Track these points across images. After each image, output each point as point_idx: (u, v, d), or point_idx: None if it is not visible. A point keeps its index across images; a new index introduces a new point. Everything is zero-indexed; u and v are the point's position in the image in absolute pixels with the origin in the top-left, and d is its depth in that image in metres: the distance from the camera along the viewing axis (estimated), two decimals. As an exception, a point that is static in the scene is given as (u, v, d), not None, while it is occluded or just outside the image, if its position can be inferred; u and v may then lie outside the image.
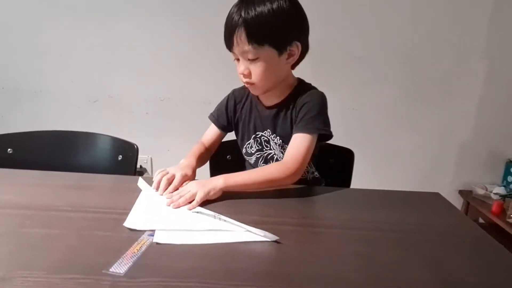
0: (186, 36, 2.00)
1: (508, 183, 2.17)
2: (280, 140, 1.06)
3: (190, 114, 2.12)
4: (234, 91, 1.15)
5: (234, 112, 1.13)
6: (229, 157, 1.26)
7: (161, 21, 1.98)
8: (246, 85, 1.00)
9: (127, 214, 0.76)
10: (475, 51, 2.04)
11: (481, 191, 2.14)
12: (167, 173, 0.92)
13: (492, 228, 1.98)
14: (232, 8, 0.91)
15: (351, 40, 1.96)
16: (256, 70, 0.93)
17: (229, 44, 0.92)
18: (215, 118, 1.15)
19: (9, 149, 1.17)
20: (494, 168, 2.23)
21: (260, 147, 1.09)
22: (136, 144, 1.20)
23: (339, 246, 0.70)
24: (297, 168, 0.92)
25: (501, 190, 2.08)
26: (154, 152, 2.18)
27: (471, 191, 2.21)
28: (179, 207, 0.81)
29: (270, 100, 1.06)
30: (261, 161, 1.10)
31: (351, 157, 1.26)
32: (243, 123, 1.12)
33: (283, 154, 1.04)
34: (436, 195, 1.00)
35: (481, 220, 2.27)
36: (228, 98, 1.15)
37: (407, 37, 2.02)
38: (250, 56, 0.91)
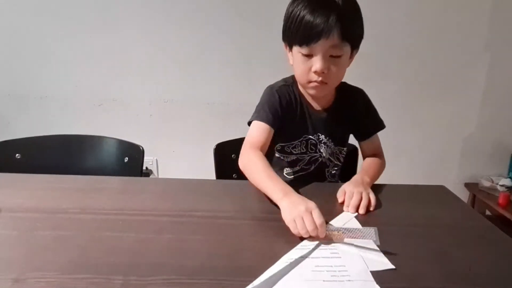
0: (188, 38, 2.01)
1: (514, 175, 2.16)
2: (332, 143, 1.06)
3: (194, 116, 2.13)
4: (278, 90, 1.02)
5: (284, 111, 1.02)
6: (233, 156, 1.26)
7: (163, 24, 1.99)
8: (313, 83, 0.93)
9: (135, 215, 0.78)
10: (478, 45, 2.03)
11: (487, 184, 2.13)
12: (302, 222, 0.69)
13: (499, 220, 1.98)
14: (307, 5, 0.86)
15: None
16: (336, 68, 0.90)
17: (314, 38, 0.85)
18: (270, 118, 0.99)
19: (17, 155, 1.19)
20: (499, 160, 2.22)
21: (305, 150, 1.06)
22: (142, 146, 1.21)
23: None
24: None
25: (507, 182, 2.08)
26: (159, 153, 2.19)
27: (477, 184, 2.21)
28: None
29: (320, 103, 1.03)
30: (302, 163, 1.08)
31: (355, 154, 1.26)
32: (289, 124, 1.03)
33: (331, 156, 1.08)
34: (442, 188, 1.01)
35: (488, 212, 2.27)
36: (279, 95, 1.01)
37: (409, 33, 2.02)
38: (336, 53, 0.88)
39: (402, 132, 2.15)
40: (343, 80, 1.03)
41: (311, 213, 0.69)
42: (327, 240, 0.68)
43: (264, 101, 1.02)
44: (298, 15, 0.86)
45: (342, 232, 0.68)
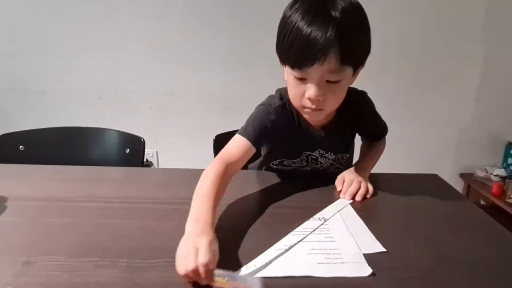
0: (188, 31, 2.02)
1: (508, 165, 2.19)
2: (332, 154, 1.01)
3: (194, 108, 2.15)
4: (275, 110, 0.91)
5: (276, 133, 0.92)
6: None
7: (163, 17, 2.00)
8: (307, 109, 0.81)
9: (137, 203, 0.81)
10: (474, 38, 2.05)
11: (481, 174, 2.16)
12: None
13: (493, 209, 2.01)
14: (303, 16, 0.71)
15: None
16: (334, 95, 0.79)
17: (307, 62, 0.72)
18: (255, 137, 0.88)
19: (20, 146, 1.21)
20: (494, 150, 2.25)
21: (305, 164, 1.01)
22: (142, 137, 1.23)
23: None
24: None
25: (501, 172, 2.11)
26: (159, 146, 2.22)
27: (472, 174, 2.24)
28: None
29: (321, 120, 0.93)
30: (300, 172, 1.03)
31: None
32: (284, 144, 0.97)
33: (333, 162, 1.03)
34: (435, 177, 1.04)
35: (482, 202, 2.30)
36: (275, 117, 0.91)
37: (406, 27, 2.03)
38: (334, 78, 0.75)
39: (398, 124, 2.16)
40: None
41: (197, 250, 0.55)
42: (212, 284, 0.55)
43: (256, 119, 0.91)
44: (293, 27, 0.72)
45: (227, 280, 0.54)
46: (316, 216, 0.76)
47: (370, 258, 0.62)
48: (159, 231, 0.70)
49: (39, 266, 0.58)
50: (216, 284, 0.53)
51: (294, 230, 0.70)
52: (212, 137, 1.27)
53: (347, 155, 1.06)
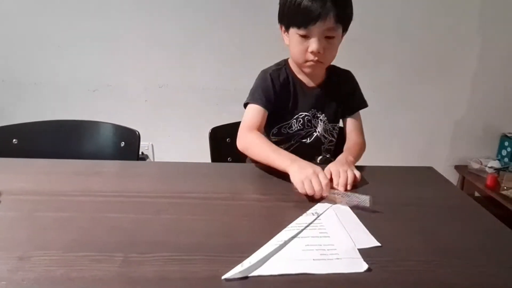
0: (183, 23, 2.00)
1: (503, 157, 2.21)
2: (326, 118, 1.13)
3: (189, 100, 2.14)
4: (271, 73, 1.09)
5: (278, 93, 1.08)
6: (228, 140, 1.29)
7: (158, 9, 1.97)
8: (310, 63, 1.00)
9: (133, 196, 0.80)
10: (469, 28, 2.05)
11: (476, 166, 2.18)
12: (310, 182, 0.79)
13: (487, 201, 2.04)
14: None
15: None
16: (331, 48, 0.99)
17: (311, 20, 0.92)
18: (264, 101, 1.05)
19: (14, 140, 1.20)
20: (488, 142, 2.27)
21: (301, 127, 1.12)
22: (138, 131, 1.23)
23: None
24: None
25: (496, 164, 2.13)
26: (155, 138, 2.21)
27: (466, 166, 2.26)
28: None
29: (313, 81, 1.11)
30: (298, 137, 1.12)
31: (342, 135, 1.29)
32: (284, 103, 1.10)
33: (325, 131, 1.14)
34: (430, 169, 1.04)
35: (476, 194, 2.32)
36: (271, 79, 1.07)
37: (402, 17, 2.02)
38: (331, 34, 0.95)
39: (393, 115, 2.18)
40: (332, 64, 1.10)
41: (317, 176, 0.79)
42: (329, 201, 0.79)
43: (258, 85, 1.09)
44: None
45: (341, 196, 0.78)
46: (309, 211, 0.76)
47: (365, 252, 0.62)
48: (155, 225, 0.69)
49: (34, 261, 0.57)
50: (336, 200, 0.78)
51: (289, 226, 0.70)
52: (208, 130, 1.27)
53: (336, 127, 1.18)
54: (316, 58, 0.99)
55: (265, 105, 1.05)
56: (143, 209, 0.75)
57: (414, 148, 2.28)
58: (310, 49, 0.97)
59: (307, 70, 1.05)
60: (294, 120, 1.11)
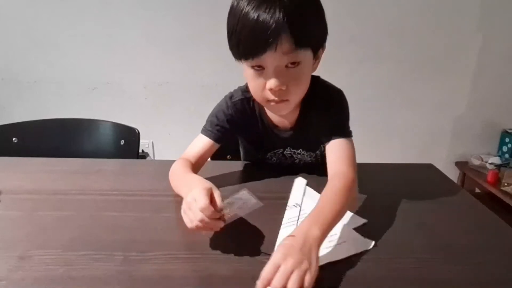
0: (182, 20, 1.99)
1: (503, 153, 2.21)
2: (305, 151, 0.97)
3: (189, 98, 2.14)
4: (234, 106, 0.90)
5: (239, 128, 0.92)
6: (229, 157, 1.28)
7: (157, 6, 1.97)
8: (272, 103, 0.75)
9: (133, 195, 0.80)
10: (470, 25, 2.04)
11: (476, 162, 2.18)
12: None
13: (488, 197, 2.04)
14: (249, 1, 0.67)
15: (345, 20, 1.95)
16: (297, 80, 0.73)
17: (259, 50, 0.67)
18: (214, 133, 0.89)
19: (14, 139, 1.20)
20: (489, 139, 2.26)
21: (283, 158, 0.99)
22: (137, 129, 1.22)
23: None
24: (355, 176, 0.76)
25: (496, 160, 2.12)
26: (155, 136, 2.21)
27: (467, 162, 2.25)
28: None
29: (283, 118, 0.89)
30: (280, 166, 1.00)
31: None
32: (252, 139, 0.97)
33: (310, 159, 0.98)
34: (430, 166, 1.04)
35: (477, 190, 2.32)
36: (232, 112, 0.90)
37: (401, 14, 2.01)
38: (292, 60, 0.69)
39: (393, 112, 2.17)
40: (316, 75, 0.86)
41: (195, 201, 0.59)
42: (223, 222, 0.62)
43: (216, 113, 0.91)
44: (240, 15, 0.68)
45: (228, 211, 0.63)
46: (290, 203, 0.76)
47: (364, 250, 0.62)
48: (156, 223, 0.69)
49: (34, 260, 0.57)
50: (224, 217, 0.61)
51: (283, 224, 0.70)
52: (208, 128, 1.26)
53: (322, 147, 0.97)
54: (277, 99, 0.73)
55: (216, 139, 0.89)
56: (143, 208, 0.75)
57: (415, 145, 2.27)
58: (267, 86, 0.72)
59: (272, 110, 0.84)
60: (270, 154, 0.98)
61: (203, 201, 0.58)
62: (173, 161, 1.05)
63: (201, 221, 0.58)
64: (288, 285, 0.48)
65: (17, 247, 0.60)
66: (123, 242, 0.62)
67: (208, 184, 0.64)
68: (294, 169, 0.94)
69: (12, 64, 2.04)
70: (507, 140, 2.19)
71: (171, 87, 2.13)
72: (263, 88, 0.73)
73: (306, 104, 0.86)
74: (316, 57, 0.76)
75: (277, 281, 0.49)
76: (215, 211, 0.58)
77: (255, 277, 0.54)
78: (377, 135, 2.12)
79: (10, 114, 2.07)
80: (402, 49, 2.08)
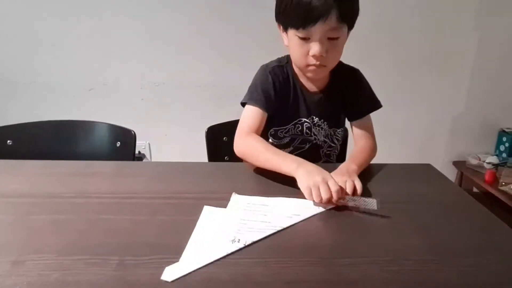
0: (178, 20, 1.99)
1: (501, 152, 2.21)
2: (327, 125, 1.05)
3: (186, 99, 2.13)
4: (272, 70, 1.00)
5: (278, 94, 1.00)
6: (225, 139, 1.28)
7: (153, 7, 1.96)
8: (312, 67, 0.91)
9: (129, 198, 0.79)
10: (467, 24, 2.04)
11: (474, 161, 2.18)
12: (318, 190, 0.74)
13: (486, 197, 2.04)
14: None
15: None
16: (335, 50, 0.89)
17: (311, 21, 0.81)
18: (263, 102, 0.97)
19: (8, 141, 1.19)
20: (487, 138, 2.27)
21: (300, 133, 1.04)
22: (134, 130, 1.22)
23: (333, 217, 0.74)
24: (375, 142, 1.06)
25: (494, 159, 2.12)
26: (152, 137, 2.20)
27: (464, 162, 2.26)
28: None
29: (316, 84, 1.02)
30: (296, 143, 1.05)
31: (345, 134, 1.28)
32: (283, 106, 1.02)
33: (325, 138, 1.07)
34: (428, 166, 1.04)
35: (475, 190, 2.32)
36: (272, 77, 0.99)
37: (399, 12, 2.01)
38: (334, 35, 0.85)
39: (391, 111, 2.15)
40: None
41: (326, 183, 0.73)
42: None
43: (258, 82, 1.00)
44: None
45: (348, 201, 0.74)
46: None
47: (362, 250, 0.62)
48: (152, 226, 0.69)
49: (28, 265, 0.56)
50: (339, 202, 0.74)
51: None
52: (205, 128, 1.26)
53: (339, 131, 1.09)
54: (318, 62, 0.89)
55: (265, 107, 0.97)
56: (139, 210, 0.74)
57: (412, 144, 2.27)
58: (311, 53, 0.87)
59: (309, 74, 0.96)
60: (292, 126, 1.04)
61: (337, 187, 0.73)
62: (171, 162, 1.05)
63: (326, 200, 0.72)
64: (346, 185, 0.77)
65: (10, 251, 0.59)
66: (119, 246, 0.61)
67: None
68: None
69: (7, 65, 2.03)
70: (504, 139, 2.20)
71: (168, 88, 2.12)
72: (306, 54, 0.88)
73: (334, 75, 1.03)
74: (349, 32, 0.91)
75: (334, 189, 0.73)
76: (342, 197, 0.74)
77: (252, 281, 0.53)
78: (375, 134, 2.11)
79: (5, 116, 2.05)
80: (399, 48, 2.08)
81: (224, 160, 1.28)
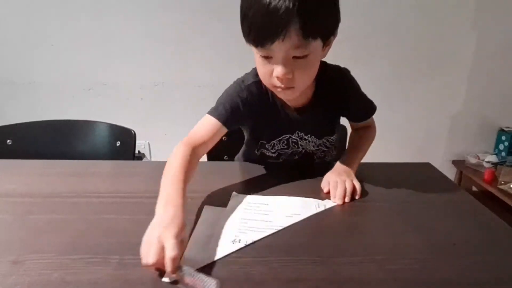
0: (178, 20, 1.98)
1: (500, 151, 2.21)
2: (314, 137, 0.98)
3: (185, 98, 2.13)
4: (247, 88, 0.88)
5: (249, 112, 0.89)
6: (224, 138, 1.27)
7: (153, 6, 1.95)
8: (277, 89, 0.78)
9: (129, 197, 0.80)
10: (465, 22, 2.04)
11: (473, 160, 2.18)
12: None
13: (485, 196, 2.04)
14: None
15: (341, 18, 1.95)
16: (302, 70, 0.74)
17: (267, 39, 0.68)
18: (225, 116, 0.87)
19: (8, 141, 1.19)
20: (486, 137, 2.27)
21: (286, 147, 0.98)
22: (133, 130, 1.22)
23: (332, 217, 0.74)
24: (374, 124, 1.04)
25: (493, 158, 2.13)
26: (152, 137, 2.20)
27: (464, 161, 2.26)
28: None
29: (297, 100, 0.90)
30: (284, 156, 1.01)
31: (344, 133, 1.28)
32: (262, 124, 0.95)
33: (314, 147, 1.00)
34: (427, 165, 1.04)
35: (474, 188, 2.32)
36: (246, 95, 0.88)
37: (397, 11, 2.01)
38: (300, 53, 0.70)
39: (389, 111, 2.17)
40: (322, 60, 0.87)
41: (162, 244, 0.54)
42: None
43: (228, 97, 0.89)
44: (250, 5, 0.68)
45: (184, 275, 0.53)
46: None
47: (360, 249, 0.62)
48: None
49: (28, 264, 0.56)
50: (175, 276, 0.53)
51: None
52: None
53: (332, 137, 1.01)
54: (283, 85, 0.75)
55: (226, 122, 0.86)
56: (139, 210, 0.74)
57: (411, 143, 2.27)
58: (274, 74, 0.74)
59: (279, 95, 0.84)
60: (277, 141, 0.97)
61: (174, 252, 0.52)
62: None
63: (154, 265, 0.53)
64: (346, 185, 0.78)
65: (11, 251, 0.60)
66: (119, 245, 0.62)
67: (183, 232, 0.59)
68: (290, 168, 0.95)
69: (7, 65, 2.03)
70: (503, 138, 2.20)
71: (168, 88, 2.12)
72: (270, 74, 0.75)
73: (318, 87, 0.90)
74: (327, 43, 0.77)
75: (332, 186, 0.78)
76: (176, 265, 0.53)
77: (252, 280, 0.53)
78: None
79: (4, 116, 2.05)
80: (397, 48, 2.08)
81: (223, 160, 1.28)
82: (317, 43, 0.72)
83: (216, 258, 0.58)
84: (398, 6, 2.00)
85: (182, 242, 0.57)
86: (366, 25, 2.00)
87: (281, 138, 0.96)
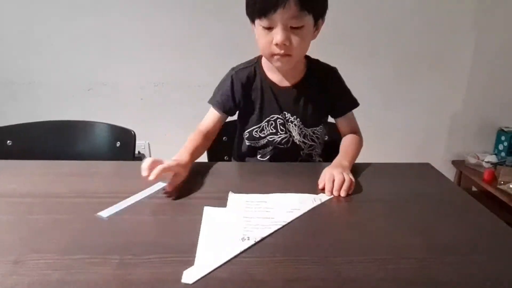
0: (178, 20, 1.98)
1: (499, 151, 2.21)
2: (300, 122, 1.05)
3: (185, 98, 2.12)
4: (237, 72, 1.05)
5: (241, 95, 1.04)
6: (225, 139, 1.28)
7: (153, 7, 1.95)
8: (277, 56, 0.91)
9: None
10: (465, 23, 2.04)
11: (473, 160, 2.18)
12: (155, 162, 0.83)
13: (484, 196, 2.04)
14: None
15: (339, 19, 1.95)
16: (298, 39, 0.88)
17: (270, 8, 0.83)
18: (219, 103, 1.05)
19: (8, 141, 1.19)
20: (485, 137, 2.27)
21: (274, 130, 1.05)
22: (133, 130, 1.22)
23: (332, 216, 0.74)
24: (361, 134, 1.11)
25: (493, 158, 2.13)
26: (152, 137, 2.20)
27: (463, 161, 2.26)
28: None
29: (286, 79, 1.03)
30: (271, 148, 1.08)
31: (337, 133, 1.28)
32: (252, 106, 1.05)
33: (304, 137, 1.07)
34: (427, 166, 1.04)
35: (474, 189, 2.32)
36: (232, 80, 1.04)
37: (397, 11, 2.01)
38: (296, 24, 0.86)
39: (389, 111, 2.17)
40: (316, 58, 1.05)
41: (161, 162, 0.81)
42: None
43: (220, 85, 1.08)
44: None
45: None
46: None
47: (360, 249, 0.62)
48: (152, 226, 0.69)
49: (29, 265, 0.56)
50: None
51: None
52: (205, 128, 1.25)
53: (318, 130, 1.09)
54: (283, 51, 0.89)
55: (221, 109, 1.05)
56: (139, 210, 0.74)
57: (411, 144, 2.27)
58: (274, 41, 0.88)
59: (275, 64, 0.96)
60: (265, 123, 1.05)
61: (162, 160, 0.84)
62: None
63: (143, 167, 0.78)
64: (343, 177, 0.82)
65: (11, 251, 0.60)
66: (119, 245, 0.62)
67: (179, 166, 0.86)
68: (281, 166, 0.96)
69: (6, 65, 2.02)
70: (503, 138, 2.20)
71: (167, 88, 2.12)
72: (270, 43, 0.89)
73: (308, 72, 1.04)
74: (316, 26, 0.92)
75: (328, 179, 0.82)
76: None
77: (252, 279, 0.54)
78: (373, 134, 2.08)
79: (4, 116, 2.05)
80: (397, 48, 2.08)
81: (224, 160, 1.28)
82: (310, 19, 0.88)
83: (230, 257, 0.59)
84: (398, 6, 2.00)
85: (176, 166, 0.84)
86: (366, 25, 2.00)
87: (269, 118, 1.04)
